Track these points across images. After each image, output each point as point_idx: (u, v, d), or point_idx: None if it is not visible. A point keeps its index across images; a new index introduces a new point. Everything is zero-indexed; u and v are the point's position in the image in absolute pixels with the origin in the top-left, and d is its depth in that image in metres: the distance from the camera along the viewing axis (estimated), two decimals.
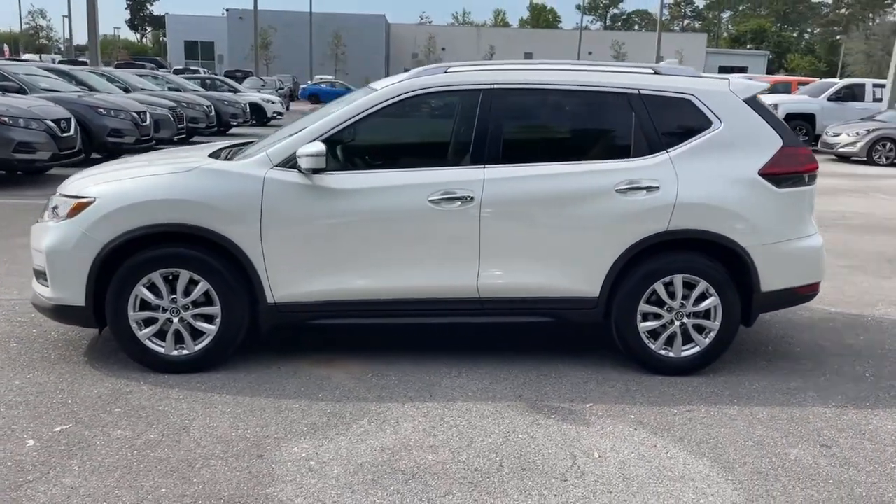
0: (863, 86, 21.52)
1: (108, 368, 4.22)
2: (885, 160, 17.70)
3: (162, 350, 4.14)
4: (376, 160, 4.20)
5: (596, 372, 4.40)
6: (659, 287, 4.25)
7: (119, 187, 4.08)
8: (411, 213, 4.10)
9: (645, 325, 4.30)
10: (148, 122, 12.91)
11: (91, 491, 3.02)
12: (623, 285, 4.24)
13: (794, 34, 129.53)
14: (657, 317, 4.30)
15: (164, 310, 4.10)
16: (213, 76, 27.16)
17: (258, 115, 23.17)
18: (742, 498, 3.12)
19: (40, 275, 4.19)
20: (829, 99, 20.69)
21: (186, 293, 4.09)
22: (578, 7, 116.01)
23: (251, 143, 5.10)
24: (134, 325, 4.10)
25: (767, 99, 17.93)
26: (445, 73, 4.29)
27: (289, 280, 4.11)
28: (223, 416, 3.70)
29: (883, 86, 21.39)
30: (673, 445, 3.55)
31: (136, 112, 12.58)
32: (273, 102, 24.98)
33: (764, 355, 4.79)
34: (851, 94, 21.12)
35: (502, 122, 4.22)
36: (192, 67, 41.85)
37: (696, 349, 4.34)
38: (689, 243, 4.26)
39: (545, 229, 4.18)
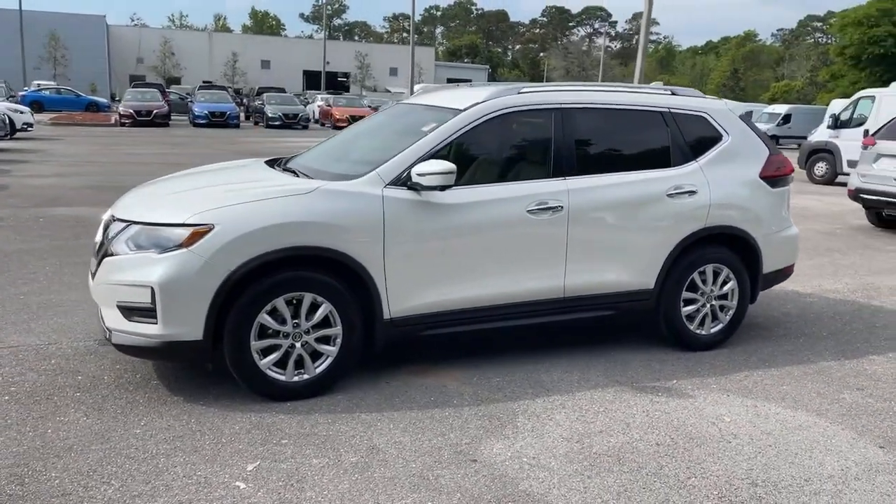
0: None
1: (219, 403, 3.97)
2: None
3: (282, 378, 4.01)
4: (471, 176, 4.41)
5: (645, 354, 5.03)
6: (696, 276, 5.00)
7: (241, 212, 3.87)
8: (513, 223, 4.42)
9: (685, 310, 5.02)
10: None
11: None
12: (671, 276, 4.93)
13: (500, 50, 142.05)
14: (693, 301, 5.05)
15: (286, 335, 3.98)
16: None
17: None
18: (853, 434, 3.94)
19: (137, 311, 3.82)
20: None
21: (307, 316, 4.01)
22: (302, 15, 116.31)
23: (280, 158, 5.03)
24: (255, 355, 3.92)
25: None
26: (519, 93, 4.64)
27: (405, 294, 4.20)
28: (393, 432, 3.74)
29: None
30: (768, 404, 4.29)
31: None
32: (22, 113, 22.17)
33: (744, 329, 5.74)
34: None
35: (573, 137, 4.68)
36: None
37: (720, 326, 5.17)
38: (716, 237, 5.06)
39: (617, 231, 4.73)
